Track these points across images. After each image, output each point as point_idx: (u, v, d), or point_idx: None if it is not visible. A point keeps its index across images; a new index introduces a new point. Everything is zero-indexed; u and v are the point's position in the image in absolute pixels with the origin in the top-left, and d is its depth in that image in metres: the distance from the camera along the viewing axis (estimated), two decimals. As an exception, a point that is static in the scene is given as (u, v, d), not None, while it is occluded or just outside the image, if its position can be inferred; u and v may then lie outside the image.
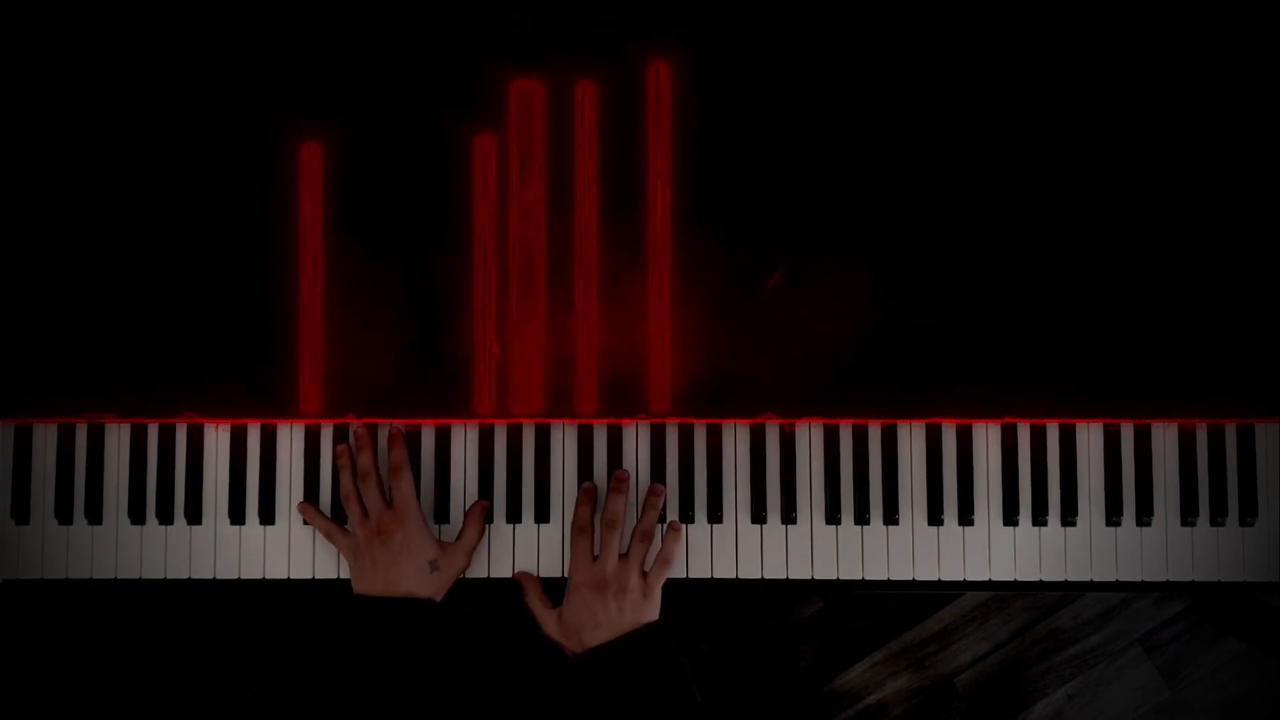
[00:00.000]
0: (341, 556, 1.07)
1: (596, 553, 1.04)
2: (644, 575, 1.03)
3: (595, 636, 0.99)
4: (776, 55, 1.06)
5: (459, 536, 1.05)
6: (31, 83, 1.06)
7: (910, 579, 1.07)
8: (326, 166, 1.06)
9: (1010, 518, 1.07)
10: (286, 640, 1.49)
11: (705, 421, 1.08)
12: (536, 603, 1.05)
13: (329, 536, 1.05)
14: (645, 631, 1.00)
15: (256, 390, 1.06)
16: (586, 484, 1.07)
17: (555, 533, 1.08)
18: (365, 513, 1.03)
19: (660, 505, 1.06)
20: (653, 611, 1.02)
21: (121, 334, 1.06)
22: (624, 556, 1.03)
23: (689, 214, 1.06)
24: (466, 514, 1.07)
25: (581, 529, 1.04)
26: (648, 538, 1.04)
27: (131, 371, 1.06)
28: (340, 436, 1.08)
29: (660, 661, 0.99)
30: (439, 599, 1.02)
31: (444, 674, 0.98)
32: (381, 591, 1.00)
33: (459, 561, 1.04)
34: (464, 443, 1.08)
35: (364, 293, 1.06)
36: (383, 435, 1.07)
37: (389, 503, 1.03)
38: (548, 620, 1.03)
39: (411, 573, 1.00)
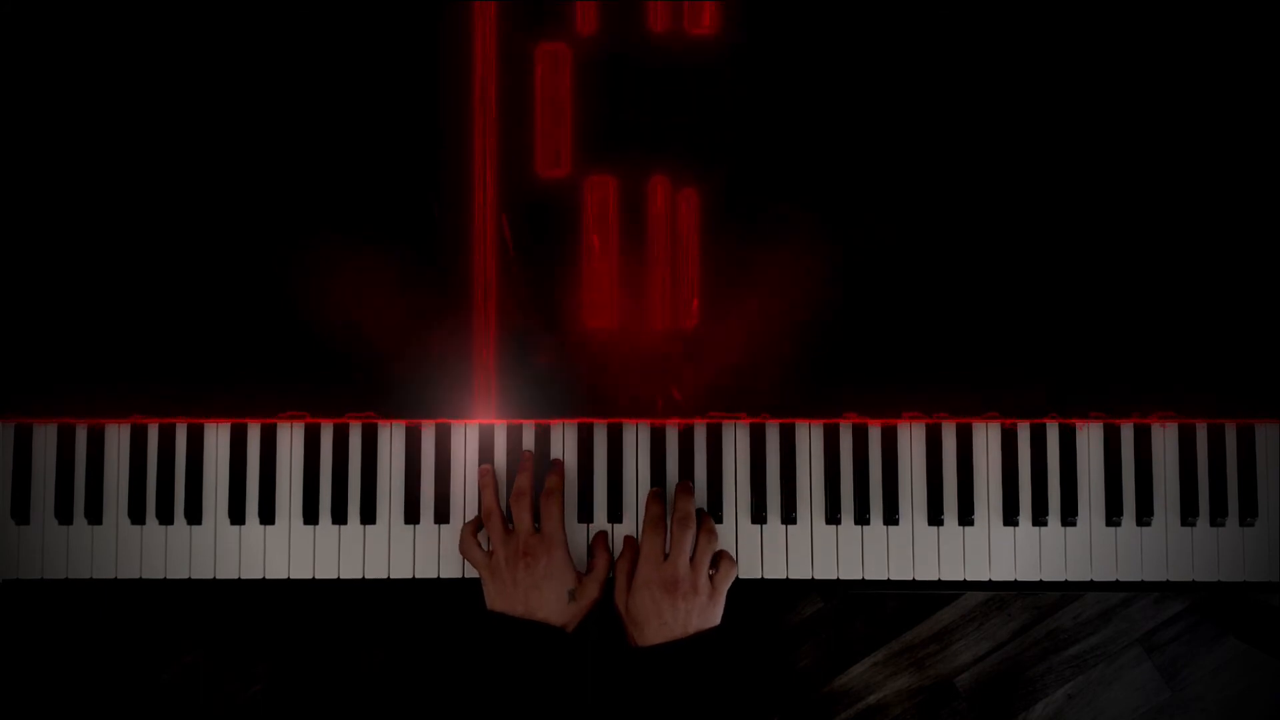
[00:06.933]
0: (343, 556, 1.07)
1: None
2: (710, 578, 1.02)
3: (658, 634, 0.99)
4: (778, 54, 1.07)
5: (590, 567, 1.05)
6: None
7: (910, 579, 1.07)
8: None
9: (1010, 518, 1.07)
10: (286, 640, 1.49)
11: (705, 421, 1.08)
12: (624, 572, 1.04)
13: (464, 549, 1.04)
14: (708, 637, 1.00)
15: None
16: (654, 489, 1.07)
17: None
18: (507, 531, 1.03)
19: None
20: (717, 615, 1.01)
21: (122, 334, 1.06)
22: (692, 559, 1.02)
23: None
24: (592, 544, 1.07)
25: (655, 524, 1.03)
26: (713, 535, 1.03)
27: (131, 371, 1.06)
28: (339, 435, 1.08)
29: (718, 669, 0.98)
30: (571, 629, 1.01)
31: (569, 703, 0.98)
32: (520, 614, 1.00)
33: (593, 592, 1.03)
34: (464, 442, 1.09)
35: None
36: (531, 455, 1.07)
37: (537, 526, 1.03)
38: (620, 596, 1.03)
39: (552, 599, 1.00)
